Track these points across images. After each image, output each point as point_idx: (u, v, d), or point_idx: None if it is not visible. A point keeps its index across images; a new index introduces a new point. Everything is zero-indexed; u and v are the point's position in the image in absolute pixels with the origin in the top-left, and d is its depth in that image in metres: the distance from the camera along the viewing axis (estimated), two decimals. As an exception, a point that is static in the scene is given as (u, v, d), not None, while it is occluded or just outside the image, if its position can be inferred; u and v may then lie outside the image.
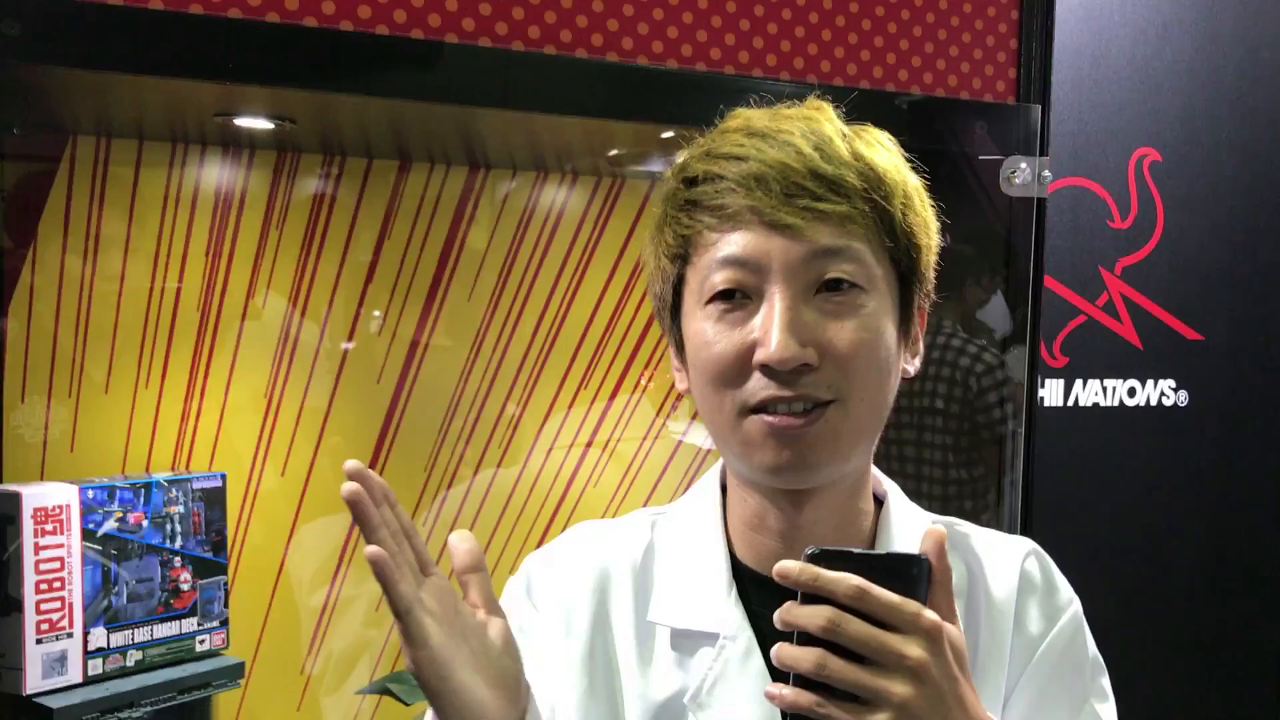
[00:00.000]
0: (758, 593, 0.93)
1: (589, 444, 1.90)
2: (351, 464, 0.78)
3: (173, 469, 1.62)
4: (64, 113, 1.47)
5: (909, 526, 0.96)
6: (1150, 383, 2.30)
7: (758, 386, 0.84)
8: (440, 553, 1.78)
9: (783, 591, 0.76)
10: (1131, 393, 2.29)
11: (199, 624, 1.53)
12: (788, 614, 0.71)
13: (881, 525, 0.95)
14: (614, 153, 1.77)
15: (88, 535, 1.42)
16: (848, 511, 0.93)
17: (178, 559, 1.51)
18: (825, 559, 0.72)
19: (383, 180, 1.73)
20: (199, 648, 1.53)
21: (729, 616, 0.92)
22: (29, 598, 1.36)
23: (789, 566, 0.71)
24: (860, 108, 1.37)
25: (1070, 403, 2.25)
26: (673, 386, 1.99)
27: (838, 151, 0.85)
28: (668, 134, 1.66)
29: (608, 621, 0.96)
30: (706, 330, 0.87)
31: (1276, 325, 2.39)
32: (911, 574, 0.73)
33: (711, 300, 0.86)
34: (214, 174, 1.63)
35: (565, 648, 0.95)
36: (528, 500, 1.86)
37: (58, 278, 1.55)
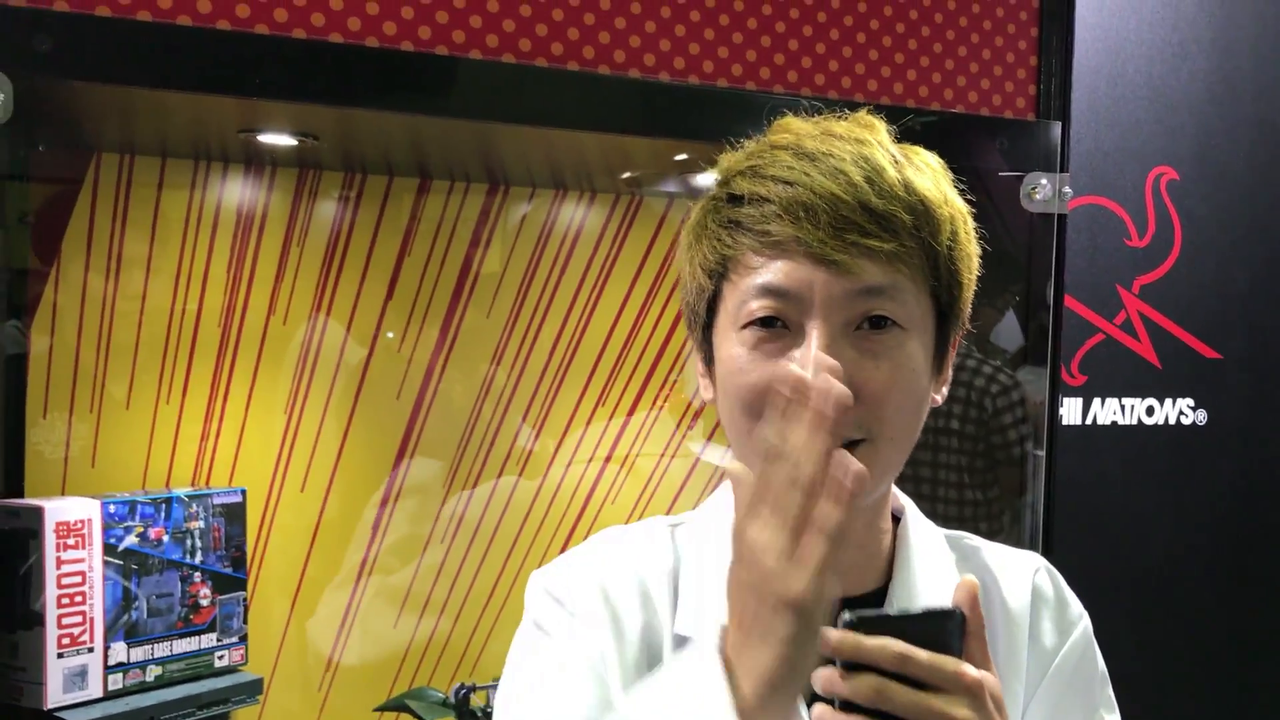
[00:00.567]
0: None
1: (606, 460, 1.90)
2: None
3: (193, 484, 1.62)
4: (89, 130, 1.49)
5: (925, 543, 0.97)
6: (1169, 402, 2.30)
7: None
8: (460, 564, 1.79)
9: None
10: (1150, 412, 2.28)
11: (218, 639, 1.53)
12: (830, 684, 0.71)
13: (900, 543, 0.96)
14: (627, 175, 1.78)
15: (109, 550, 1.42)
16: (867, 533, 0.94)
17: (198, 574, 1.51)
18: (864, 625, 0.72)
19: (403, 198, 1.74)
20: (218, 663, 1.53)
21: None
22: (50, 612, 1.36)
23: (831, 636, 0.71)
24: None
25: (1088, 422, 2.25)
26: (689, 404, 2.00)
27: (889, 182, 0.83)
28: (681, 156, 1.67)
29: (655, 629, 0.93)
30: (740, 356, 0.85)
31: (1296, 344, 2.38)
32: (948, 628, 0.73)
33: (748, 325, 0.85)
34: (236, 191, 1.64)
35: (619, 652, 0.91)
36: (545, 516, 1.86)
37: (80, 295, 1.56)
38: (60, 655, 1.37)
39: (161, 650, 1.47)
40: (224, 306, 1.64)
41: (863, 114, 0.90)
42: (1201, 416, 2.32)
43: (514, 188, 1.80)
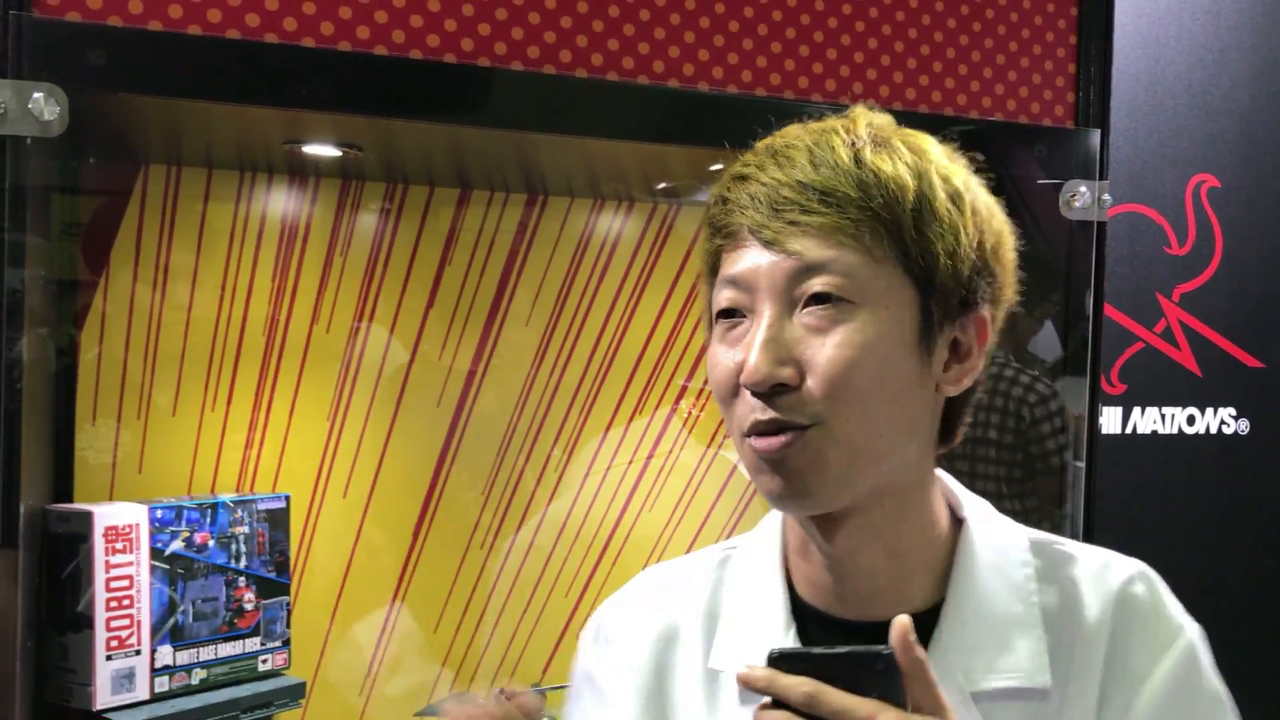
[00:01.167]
0: (817, 629, 0.90)
1: (644, 468, 1.91)
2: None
3: (238, 490, 1.65)
4: (138, 142, 1.52)
5: (996, 547, 0.90)
6: (1210, 411, 2.28)
7: (746, 409, 0.83)
8: (499, 569, 1.80)
9: (844, 631, 0.76)
10: (1191, 421, 2.27)
11: (262, 644, 1.55)
12: (759, 717, 0.72)
13: (961, 548, 0.90)
14: (664, 185, 1.79)
15: (156, 554, 1.44)
16: (899, 538, 0.88)
17: (242, 579, 1.53)
18: (785, 661, 0.73)
19: (444, 208, 1.76)
20: (261, 667, 1.55)
21: None
22: (99, 615, 1.39)
23: (749, 673, 0.73)
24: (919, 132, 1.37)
25: (1128, 431, 2.23)
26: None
27: (837, 160, 0.82)
28: (717, 166, 1.68)
29: (670, 670, 0.93)
30: (713, 351, 0.86)
31: (1339, 353, 2.35)
32: (875, 668, 0.72)
33: (716, 319, 0.86)
34: (280, 202, 1.66)
35: (624, 695, 0.94)
36: (584, 523, 1.87)
37: (128, 304, 1.59)
38: (109, 658, 1.39)
39: (206, 654, 1.49)
40: (268, 315, 1.66)
41: (859, 107, 0.89)
42: (1244, 426, 2.30)
43: (553, 198, 1.82)
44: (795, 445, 0.81)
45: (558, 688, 1.71)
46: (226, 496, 1.53)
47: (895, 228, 0.82)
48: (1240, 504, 2.29)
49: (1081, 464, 1.60)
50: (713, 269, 0.89)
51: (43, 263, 1.30)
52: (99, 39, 1.12)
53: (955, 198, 0.85)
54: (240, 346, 1.65)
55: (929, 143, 0.88)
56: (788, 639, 0.90)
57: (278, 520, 1.57)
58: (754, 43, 1.38)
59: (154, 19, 1.15)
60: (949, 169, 0.86)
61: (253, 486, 1.66)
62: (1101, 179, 1.53)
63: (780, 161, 0.83)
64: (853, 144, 0.83)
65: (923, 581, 0.89)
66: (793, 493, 0.83)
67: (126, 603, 1.41)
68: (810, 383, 0.80)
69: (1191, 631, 0.91)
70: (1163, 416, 2.24)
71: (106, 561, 1.39)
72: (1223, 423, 2.29)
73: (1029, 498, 2.07)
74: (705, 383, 1.93)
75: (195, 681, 1.48)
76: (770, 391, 0.81)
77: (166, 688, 1.45)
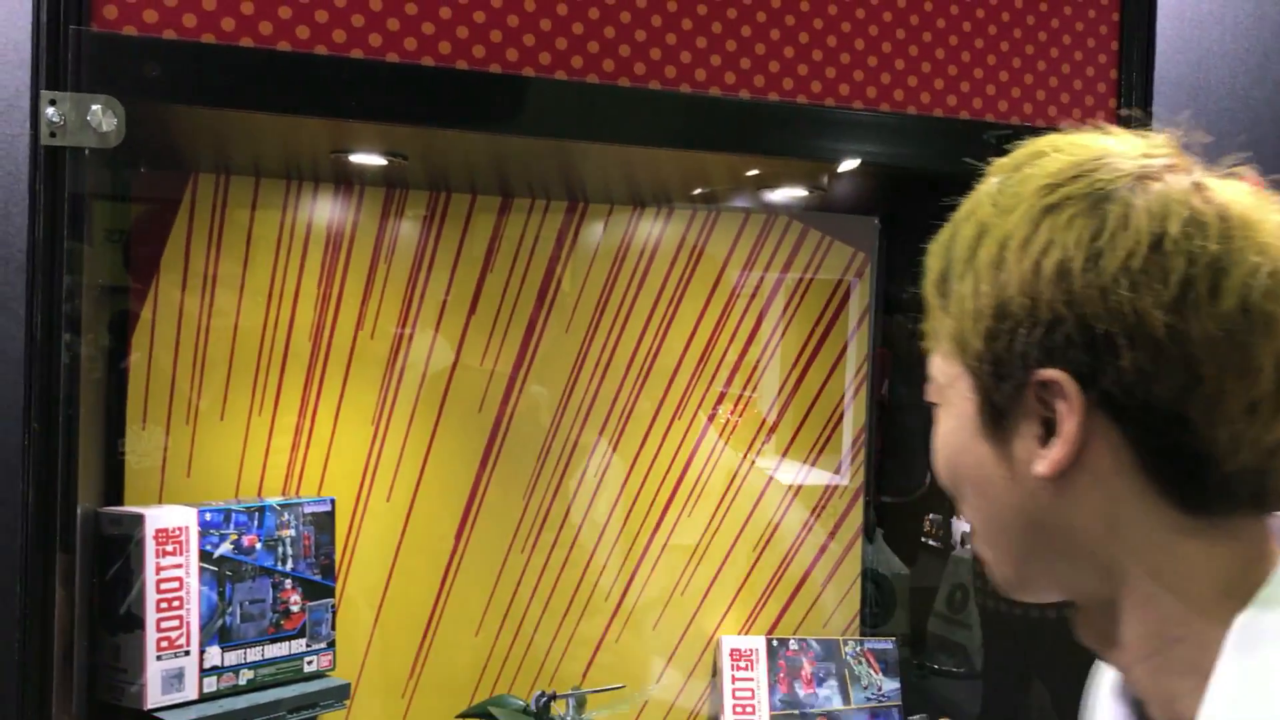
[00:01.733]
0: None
1: (683, 473, 1.92)
2: None
3: (284, 494, 1.67)
4: (188, 152, 1.55)
5: (1266, 674, 0.68)
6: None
7: None
8: (540, 572, 1.81)
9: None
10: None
11: (307, 645, 1.57)
12: None
13: (1221, 667, 0.70)
14: (701, 191, 1.81)
15: (204, 557, 1.47)
16: (1122, 637, 0.75)
17: (288, 581, 1.55)
18: None
19: (486, 216, 1.78)
20: (307, 668, 1.57)
21: None
22: (149, 616, 1.41)
23: None
24: (959, 139, 1.39)
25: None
26: (763, 422, 2.01)
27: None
28: (753, 171, 1.69)
29: None
30: None
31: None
32: None
33: None
34: (326, 210, 1.69)
35: None
36: (623, 527, 1.88)
37: (177, 310, 1.62)
38: (159, 658, 1.42)
39: (254, 654, 1.52)
40: (314, 321, 1.68)
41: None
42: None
43: (592, 205, 1.84)
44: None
45: (598, 690, 1.72)
46: (273, 500, 1.56)
47: (936, 311, 0.78)
48: None
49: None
50: None
51: (95, 270, 1.33)
52: (155, 52, 1.14)
53: (965, 258, 0.76)
54: (287, 352, 1.68)
55: (987, 181, 0.78)
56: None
57: (323, 523, 1.59)
58: (795, 50, 1.39)
59: (207, 32, 1.18)
60: (985, 209, 0.76)
61: (298, 490, 1.69)
62: (1143, 185, 1.52)
63: None
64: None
65: (1185, 686, 0.72)
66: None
67: (176, 604, 1.44)
68: None
69: None
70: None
71: (157, 564, 1.42)
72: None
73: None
74: (744, 389, 1.95)
75: (242, 682, 1.51)
76: None
77: (214, 688, 1.47)
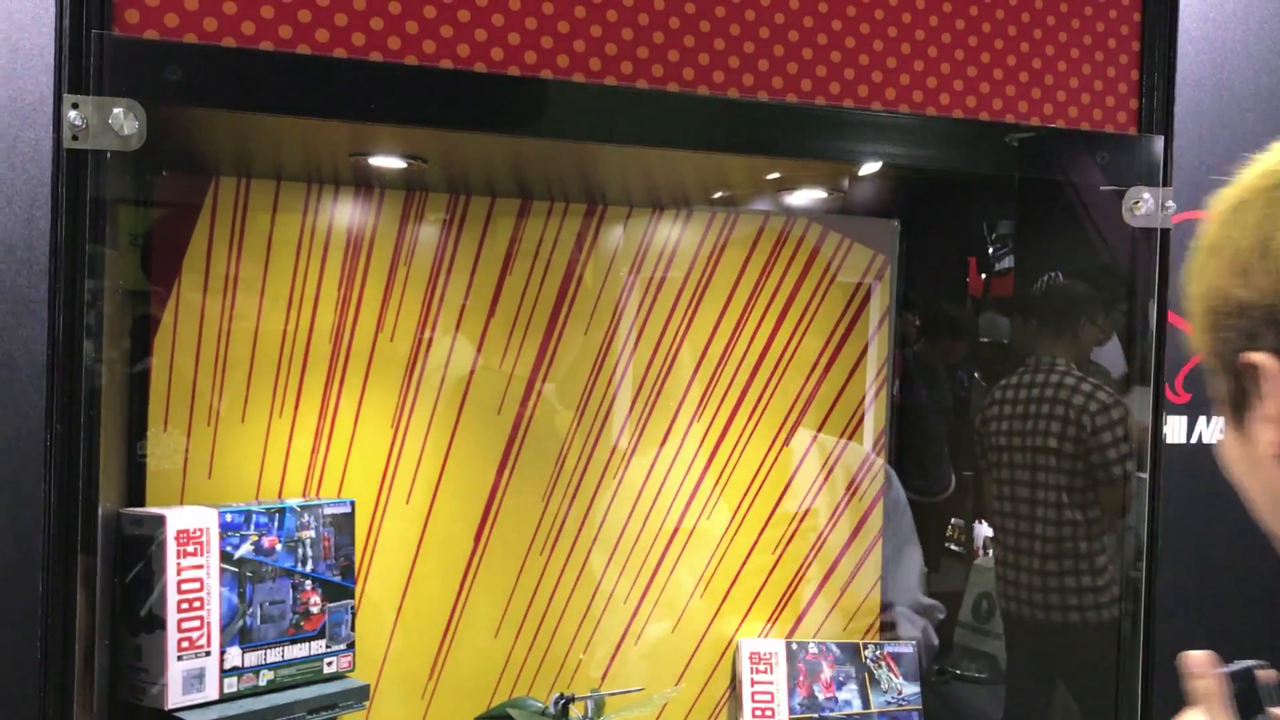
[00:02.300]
0: None
1: (701, 475, 1.91)
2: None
3: (304, 495, 1.68)
4: (209, 156, 1.56)
5: None
6: (1278, 420, 2.23)
7: None
8: (559, 575, 1.81)
9: None
10: (1258, 431, 2.22)
11: (327, 646, 1.58)
12: None
13: None
14: (719, 193, 1.80)
15: (225, 557, 1.47)
16: None
17: (308, 582, 1.56)
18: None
19: (505, 218, 1.78)
20: (326, 669, 1.58)
21: None
22: (171, 616, 1.42)
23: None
24: (979, 141, 1.38)
25: (1193, 440, 2.20)
26: (784, 423, 2.01)
27: None
28: (773, 175, 1.69)
29: None
30: None
31: None
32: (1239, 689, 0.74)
33: None
34: (346, 213, 1.69)
35: None
36: (642, 529, 1.88)
37: (199, 313, 1.62)
38: (180, 658, 1.42)
39: (274, 655, 1.52)
40: (334, 324, 1.69)
41: None
42: (1313, 436, 2.25)
43: (611, 207, 1.84)
44: None
45: (617, 693, 1.72)
46: (294, 501, 1.56)
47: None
48: (1310, 516, 2.24)
49: (1145, 474, 1.58)
50: None
51: (117, 273, 1.34)
52: (176, 56, 1.15)
53: (1191, 256, 0.84)
54: (307, 354, 1.68)
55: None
56: None
57: (343, 525, 1.60)
58: (814, 52, 1.38)
59: (228, 36, 1.18)
60: (1226, 212, 0.82)
61: (319, 492, 1.69)
62: (1165, 185, 1.51)
63: None
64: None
65: None
66: None
67: (197, 604, 1.45)
68: None
69: None
70: (1229, 426, 2.20)
71: (178, 564, 1.43)
72: (1291, 433, 2.24)
73: (1091, 508, 2.05)
74: (763, 391, 1.94)
75: (263, 683, 1.51)
76: None
77: (235, 688, 1.48)
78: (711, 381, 1.92)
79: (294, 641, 1.54)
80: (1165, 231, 1.53)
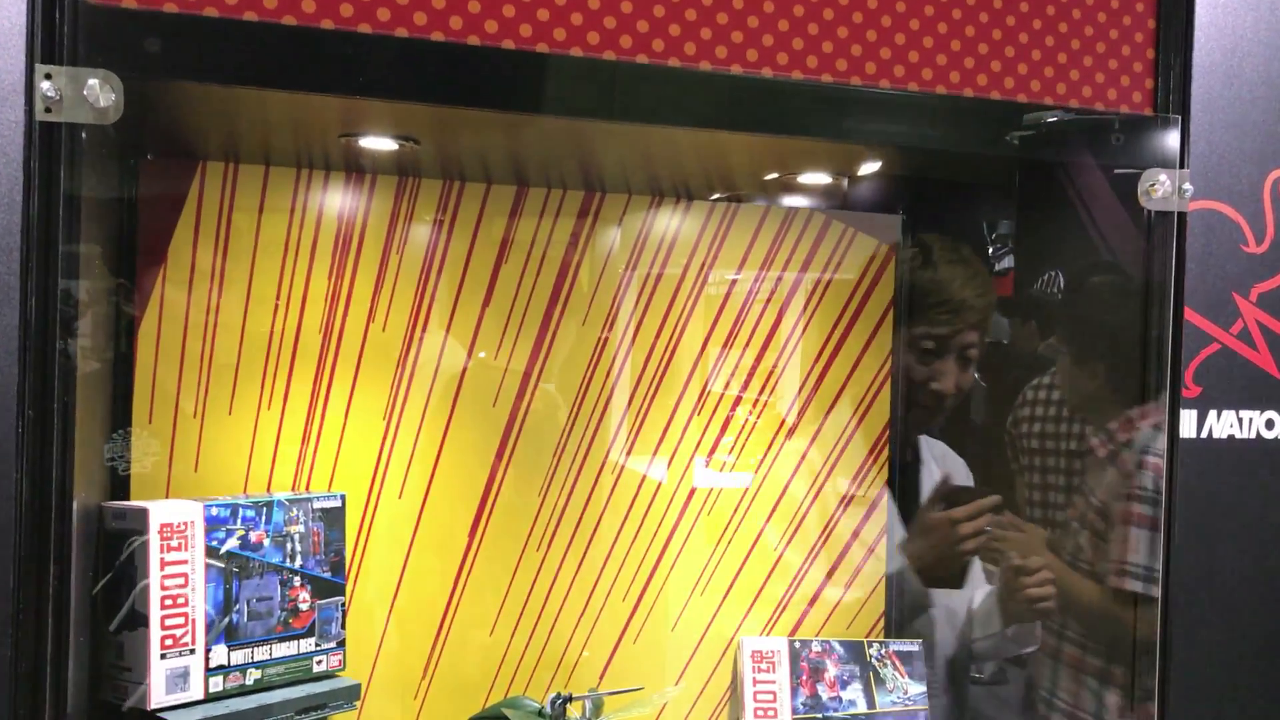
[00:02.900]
0: None
1: (702, 471, 1.87)
2: None
3: (293, 489, 1.63)
4: (195, 138, 1.51)
5: None
6: (1290, 415, 2.19)
7: None
8: (556, 572, 1.77)
9: None
10: (1270, 424, 2.18)
11: (317, 644, 1.53)
12: None
13: None
14: (721, 181, 1.76)
15: (211, 552, 1.43)
16: None
17: (297, 578, 1.51)
18: None
19: (501, 206, 1.74)
20: (316, 668, 1.53)
21: None
22: (154, 613, 1.38)
23: None
24: (990, 120, 1.33)
25: (1204, 434, 2.15)
26: (783, 420, 1.97)
27: None
28: (772, 175, 1.65)
29: None
30: None
31: None
32: None
33: None
34: (337, 199, 1.65)
35: None
36: (640, 525, 1.84)
37: (185, 301, 1.58)
38: (163, 656, 1.38)
39: (261, 654, 1.48)
40: (324, 315, 1.65)
41: None
42: (1326, 431, 2.21)
43: (609, 195, 1.79)
44: None
45: (616, 692, 1.68)
46: (282, 495, 1.52)
47: None
48: (1322, 512, 2.20)
49: (1163, 463, 1.54)
50: None
51: (95, 256, 1.29)
52: (153, 24, 1.11)
53: None
54: (296, 346, 1.64)
55: None
56: None
57: (333, 519, 1.55)
58: (820, 27, 1.34)
59: (209, 5, 1.14)
60: None
61: (308, 486, 1.65)
62: (1182, 168, 1.47)
63: None
64: None
65: None
66: None
67: (181, 601, 1.40)
68: None
69: None
70: (1240, 420, 2.16)
71: (161, 559, 1.38)
72: (1303, 428, 2.20)
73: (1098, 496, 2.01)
74: (765, 383, 1.90)
75: (250, 682, 1.47)
76: None
77: (221, 688, 1.44)
78: (712, 373, 1.88)
79: (282, 639, 1.50)
80: (1182, 215, 1.49)
